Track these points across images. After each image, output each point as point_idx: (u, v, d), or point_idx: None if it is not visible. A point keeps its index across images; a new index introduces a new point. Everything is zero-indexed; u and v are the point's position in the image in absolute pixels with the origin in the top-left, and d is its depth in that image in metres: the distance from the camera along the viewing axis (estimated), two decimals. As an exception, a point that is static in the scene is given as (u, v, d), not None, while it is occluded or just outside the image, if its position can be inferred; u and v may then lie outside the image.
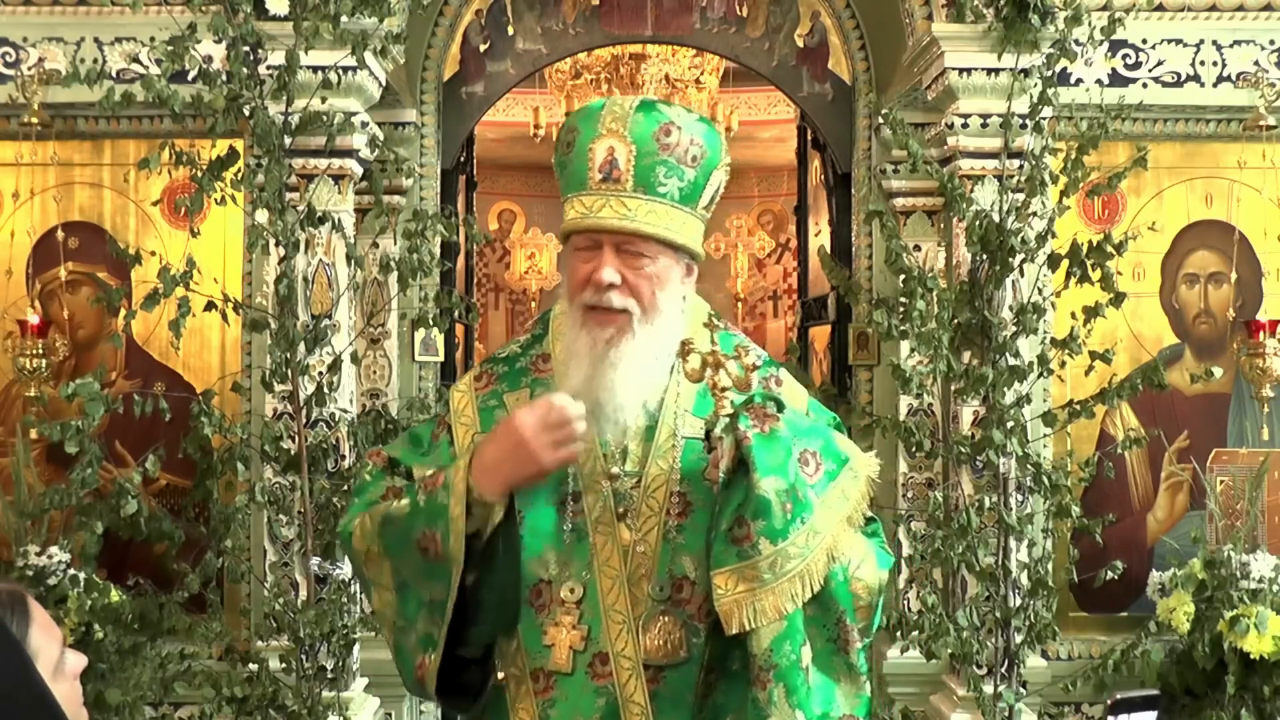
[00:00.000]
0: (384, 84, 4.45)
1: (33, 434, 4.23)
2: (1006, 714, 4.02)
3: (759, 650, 1.78)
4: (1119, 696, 2.31)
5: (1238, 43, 4.64)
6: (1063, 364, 4.13)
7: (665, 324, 1.94)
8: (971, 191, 4.31)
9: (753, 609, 1.77)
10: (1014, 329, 4.03)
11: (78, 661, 1.51)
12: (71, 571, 4.09)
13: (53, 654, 1.45)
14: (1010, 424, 4.01)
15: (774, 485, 1.78)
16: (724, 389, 1.83)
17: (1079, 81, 4.57)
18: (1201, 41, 4.64)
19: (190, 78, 3.88)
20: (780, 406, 1.86)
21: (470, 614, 1.91)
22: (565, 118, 2.04)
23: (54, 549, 4.12)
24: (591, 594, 1.91)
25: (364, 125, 4.28)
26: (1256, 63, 4.62)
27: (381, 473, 2.06)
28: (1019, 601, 4.03)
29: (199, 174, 3.82)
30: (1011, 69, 4.18)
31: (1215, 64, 4.64)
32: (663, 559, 1.91)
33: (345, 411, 4.18)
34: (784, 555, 1.78)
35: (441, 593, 1.88)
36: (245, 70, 3.82)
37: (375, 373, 4.85)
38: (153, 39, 4.38)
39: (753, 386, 1.84)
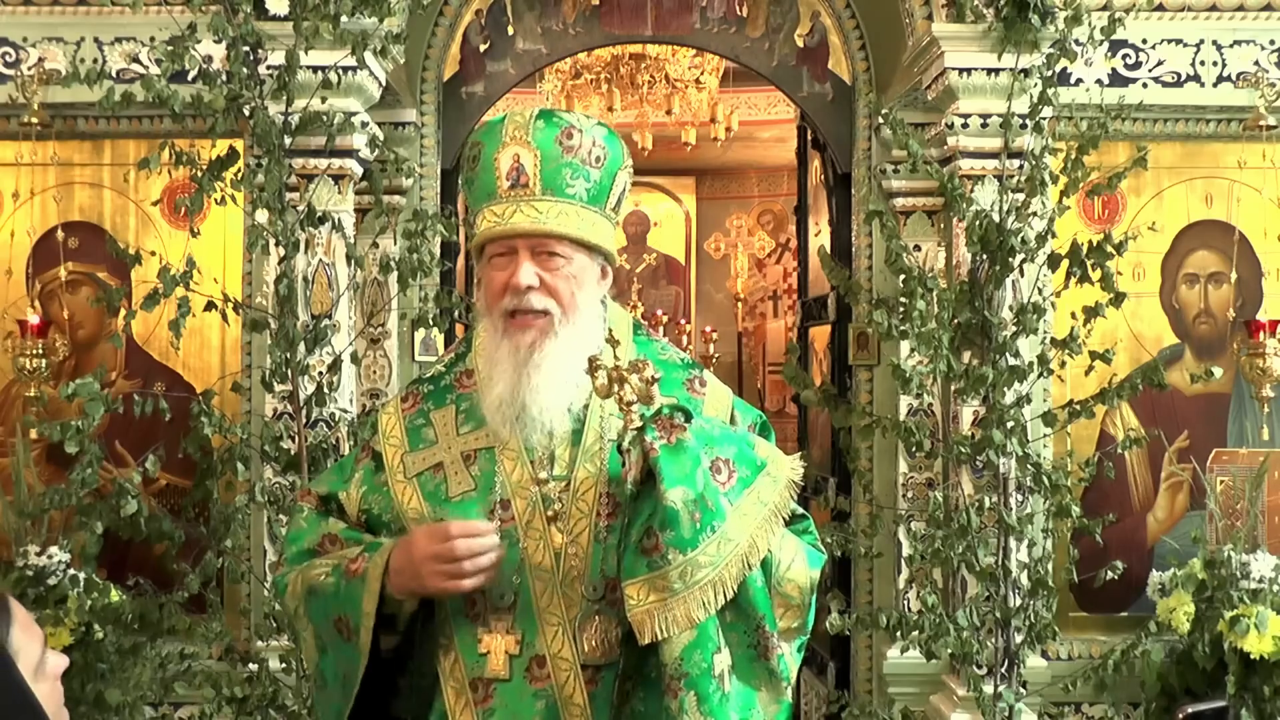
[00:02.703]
0: (384, 84, 4.44)
1: (33, 434, 4.23)
2: (1006, 714, 4.02)
3: (670, 659, 1.78)
4: (1190, 710, 2.33)
5: (1238, 43, 4.64)
6: (1063, 364, 4.12)
7: (586, 324, 1.97)
8: (971, 191, 4.31)
9: (665, 619, 1.78)
10: (1014, 329, 4.03)
11: (59, 662, 1.50)
12: (71, 571, 4.09)
13: (34, 654, 1.45)
14: (1010, 424, 4.01)
15: (681, 495, 1.78)
16: (630, 402, 1.84)
17: (1079, 81, 4.57)
18: (1201, 41, 4.64)
19: (190, 78, 3.87)
20: (689, 416, 1.87)
21: (386, 677, 1.97)
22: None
23: (54, 549, 4.12)
24: (525, 598, 1.92)
25: (364, 125, 4.28)
26: (1256, 63, 4.62)
27: (317, 515, 2.08)
28: (1019, 601, 4.03)
29: (199, 174, 3.81)
30: (1011, 69, 4.18)
31: (1215, 64, 4.64)
32: (594, 559, 1.92)
33: (345, 411, 4.18)
34: (694, 564, 1.78)
35: (353, 674, 1.93)
36: (245, 70, 3.82)
37: (375, 373, 4.85)
38: (153, 39, 4.38)
39: (655, 399, 1.85)
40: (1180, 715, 2.33)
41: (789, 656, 1.93)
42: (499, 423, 1.97)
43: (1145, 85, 4.63)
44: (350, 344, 4.21)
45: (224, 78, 3.81)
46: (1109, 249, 3.93)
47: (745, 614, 1.85)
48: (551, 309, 1.94)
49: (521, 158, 1.94)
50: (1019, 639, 4.04)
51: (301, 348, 3.93)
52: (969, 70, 4.34)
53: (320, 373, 4.05)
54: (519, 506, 1.95)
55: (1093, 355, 3.95)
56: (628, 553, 1.82)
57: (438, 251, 4.84)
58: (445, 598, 1.92)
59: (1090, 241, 3.98)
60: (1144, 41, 4.62)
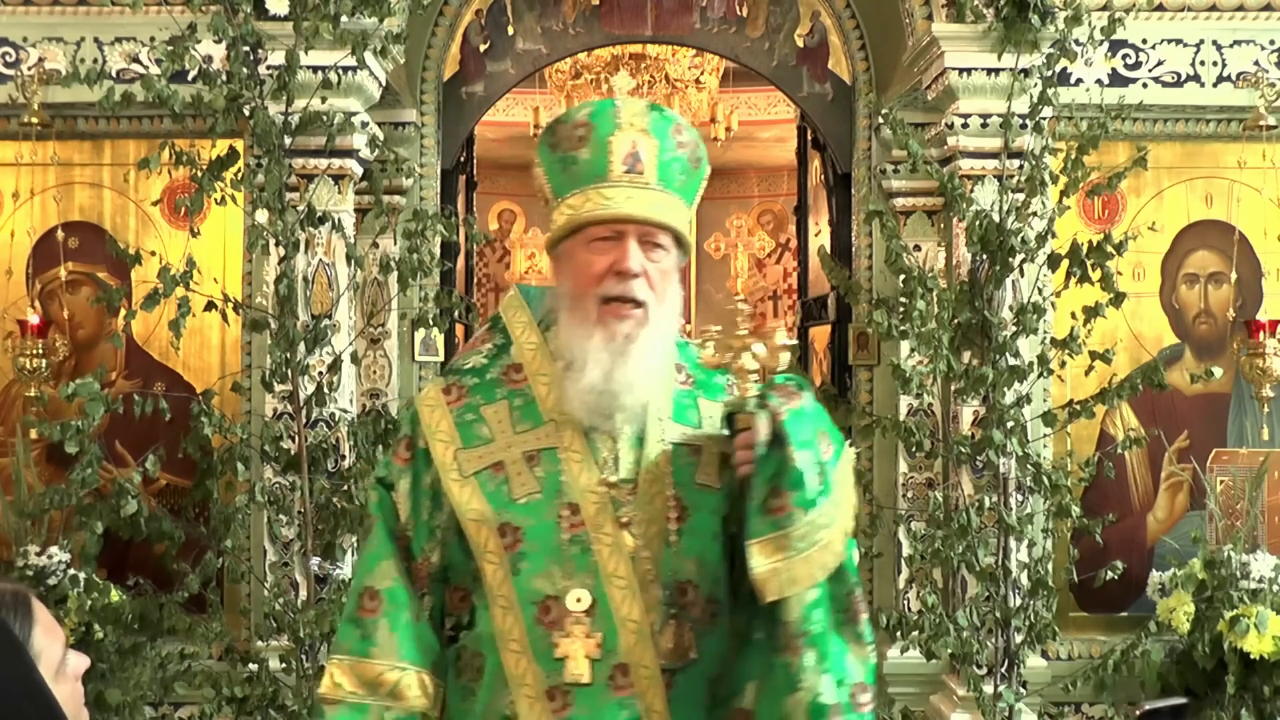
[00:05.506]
0: (384, 84, 4.45)
1: (33, 434, 4.23)
2: (1006, 714, 4.03)
3: (792, 618, 1.79)
4: (1147, 707, 2.33)
5: (1238, 43, 4.64)
6: (1063, 364, 4.13)
7: (671, 319, 1.96)
8: (971, 191, 4.31)
9: (789, 577, 1.79)
10: (1014, 329, 4.03)
11: (80, 663, 1.51)
12: (71, 571, 4.09)
13: (55, 655, 1.45)
14: (1010, 424, 4.01)
15: (807, 458, 1.81)
16: (751, 371, 1.86)
17: (1079, 81, 4.57)
18: (1201, 41, 4.64)
19: (190, 78, 3.88)
20: (801, 385, 1.89)
21: None
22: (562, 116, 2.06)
23: (54, 549, 4.12)
24: (602, 605, 1.88)
25: (364, 125, 4.28)
26: (1256, 63, 4.62)
27: (380, 547, 1.99)
28: (1019, 601, 4.03)
29: (199, 174, 3.82)
30: (1011, 69, 4.18)
31: (1215, 64, 4.64)
32: (666, 564, 1.90)
33: (345, 411, 4.18)
34: (814, 526, 1.80)
35: None
36: (245, 70, 3.82)
37: (375, 373, 4.85)
38: (153, 39, 4.38)
39: (781, 365, 1.88)
40: (1138, 712, 2.33)
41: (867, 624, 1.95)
42: (585, 411, 1.91)
43: (1145, 85, 4.63)
44: (350, 344, 4.21)
45: (224, 78, 3.81)
46: (1109, 249, 3.93)
47: (841, 579, 1.85)
48: (650, 300, 1.91)
49: (639, 144, 1.92)
50: (1019, 639, 4.04)
51: (301, 348, 3.93)
52: (969, 70, 4.34)
53: (320, 373, 4.05)
54: (588, 510, 1.90)
55: (1093, 355, 3.96)
56: (751, 514, 1.82)
57: (438, 251, 4.84)
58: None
59: (1090, 241, 3.98)
60: (1144, 41, 4.62)
